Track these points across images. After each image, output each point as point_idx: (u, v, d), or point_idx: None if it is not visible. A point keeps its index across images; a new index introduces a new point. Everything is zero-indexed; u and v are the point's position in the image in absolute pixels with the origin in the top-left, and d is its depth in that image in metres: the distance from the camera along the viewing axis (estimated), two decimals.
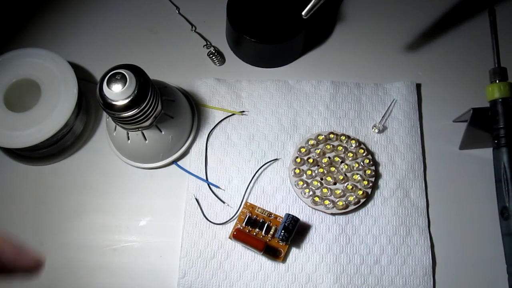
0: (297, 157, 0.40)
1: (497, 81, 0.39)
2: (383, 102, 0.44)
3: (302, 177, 0.40)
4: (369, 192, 0.40)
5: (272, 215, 0.39)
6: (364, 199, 0.39)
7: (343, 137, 0.41)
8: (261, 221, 0.39)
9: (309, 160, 0.40)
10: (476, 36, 0.47)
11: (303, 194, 0.39)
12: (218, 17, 0.47)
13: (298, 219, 0.37)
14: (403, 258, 0.38)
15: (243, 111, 0.43)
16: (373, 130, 0.43)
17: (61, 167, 0.43)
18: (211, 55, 0.47)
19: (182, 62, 0.47)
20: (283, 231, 0.37)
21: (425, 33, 0.48)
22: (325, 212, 0.39)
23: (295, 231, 0.37)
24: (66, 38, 0.48)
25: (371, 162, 0.40)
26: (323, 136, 0.41)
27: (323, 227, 0.39)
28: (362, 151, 0.40)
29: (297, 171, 0.40)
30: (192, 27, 0.48)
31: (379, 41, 0.48)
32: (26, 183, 0.43)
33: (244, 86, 0.44)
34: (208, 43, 0.47)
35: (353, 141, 0.41)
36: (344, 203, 0.39)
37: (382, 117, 0.43)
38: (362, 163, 0.40)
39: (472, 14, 0.48)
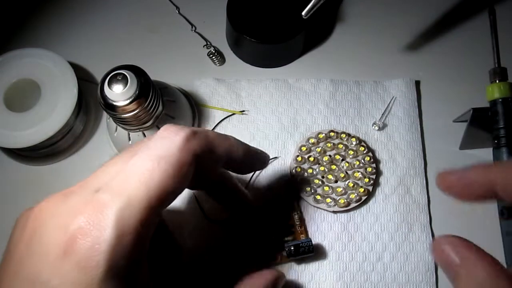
0: (297, 156, 0.40)
1: (497, 81, 0.39)
2: (383, 100, 0.44)
3: (303, 176, 0.40)
4: (370, 190, 0.40)
5: (299, 228, 0.38)
6: (366, 197, 0.39)
7: (343, 135, 0.41)
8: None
9: (310, 159, 0.40)
10: (476, 36, 0.47)
11: (304, 192, 0.39)
12: (218, 17, 0.47)
13: (312, 251, 0.36)
14: (405, 255, 0.38)
15: (243, 111, 0.43)
16: (373, 127, 0.43)
17: (61, 167, 0.43)
18: (211, 55, 0.47)
19: (182, 62, 0.47)
20: (293, 247, 0.36)
21: (425, 33, 0.48)
22: (327, 210, 0.39)
23: (301, 257, 0.37)
24: (66, 38, 0.48)
25: (372, 160, 0.40)
26: (324, 134, 0.41)
27: (325, 225, 0.39)
28: (363, 148, 0.40)
29: (298, 169, 0.40)
30: (192, 27, 0.48)
31: (379, 41, 0.48)
32: (26, 183, 0.42)
33: (244, 85, 0.44)
34: (208, 43, 0.47)
35: (354, 139, 0.41)
36: (345, 200, 0.39)
37: (382, 114, 0.43)
38: (363, 161, 0.40)
39: (472, 14, 0.48)
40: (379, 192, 0.40)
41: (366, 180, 0.39)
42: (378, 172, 0.41)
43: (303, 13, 0.41)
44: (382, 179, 0.41)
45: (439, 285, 0.38)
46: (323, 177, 0.40)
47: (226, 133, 0.31)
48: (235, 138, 0.30)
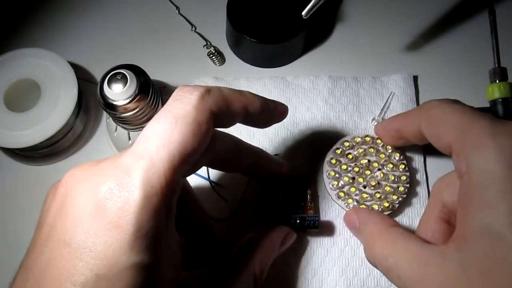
0: (338, 148, 0.39)
1: (497, 81, 0.39)
2: (381, 95, 0.44)
3: (336, 168, 0.39)
4: (396, 207, 0.38)
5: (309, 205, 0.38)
6: (390, 212, 0.38)
7: (389, 147, 0.39)
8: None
9: (348, 156, 0.39)
10: (476, 36, 0.47)
11: (331, 185, 0.38)
12: (218, 17, 0.47)
13: (317, 227, 0.36)
14: None
15: None
16: (372, 123, 0.42)
17: (61, 167, 0.43)
18: (211, 55, 0.47)
19: (182, 62, 0.47)
20: (298, 219, 0.36)
21: (425, 33, 0.48)
22: (343, 209, 0.38)
23: (304, 230, 0.37)
24: (66, 38, 0.48)
25: (408, 180, 0.38)
26: (370, 138, 0.40)
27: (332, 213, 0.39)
28: (403, 166, 0.39)
29: (333, 161, 0.39)
30: (192, 27, 0.48)
31: (379, 41, 0.47)
32: (26, 183, 0.42)
33: (242, 84, 0.44)
34: (208, 43, 0.47)
35: (398, 154, 0.39)
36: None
37: (381, 110, 0.43)
38: (398, 179, 0.38)
39: (472, 14, 0.48)
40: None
41: (394, 197, 0.38)
42: (409, 193, 0.39)
43: (303, 13, 0.41)
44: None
45: None
46: (354, 178, 0.39)
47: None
48: (250, 93, 0.30)
